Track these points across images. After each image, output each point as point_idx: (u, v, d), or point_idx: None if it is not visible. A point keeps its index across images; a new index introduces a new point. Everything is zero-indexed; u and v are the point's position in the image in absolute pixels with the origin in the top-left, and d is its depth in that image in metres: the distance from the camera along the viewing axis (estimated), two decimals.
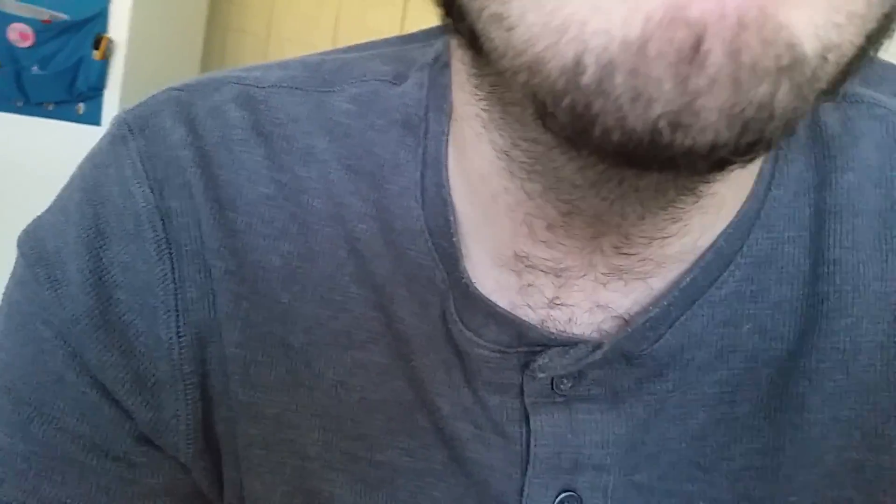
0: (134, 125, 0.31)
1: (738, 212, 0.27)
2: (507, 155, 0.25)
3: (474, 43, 0.21)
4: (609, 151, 0.18)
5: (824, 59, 0.17)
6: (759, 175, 0.28)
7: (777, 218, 0.28)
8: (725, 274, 0.28)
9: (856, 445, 0.29)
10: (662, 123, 0.17)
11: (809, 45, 0.17)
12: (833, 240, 0.28)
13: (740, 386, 0.29)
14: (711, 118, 0.17)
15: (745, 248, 0.28)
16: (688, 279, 0.27)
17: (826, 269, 0.28)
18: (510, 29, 0.18)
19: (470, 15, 0.20)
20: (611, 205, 0.24)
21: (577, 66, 0.17)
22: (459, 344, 0.29)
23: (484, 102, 0.25)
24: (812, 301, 0.28)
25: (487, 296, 0.28)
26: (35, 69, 1.97)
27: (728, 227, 0.27)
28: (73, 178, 0.32)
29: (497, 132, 0.25)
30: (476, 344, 0.29)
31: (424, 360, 0.30)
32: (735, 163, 0.19)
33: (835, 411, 0.29)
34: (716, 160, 0.18)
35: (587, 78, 0.17)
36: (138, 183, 0.30)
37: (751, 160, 0.19)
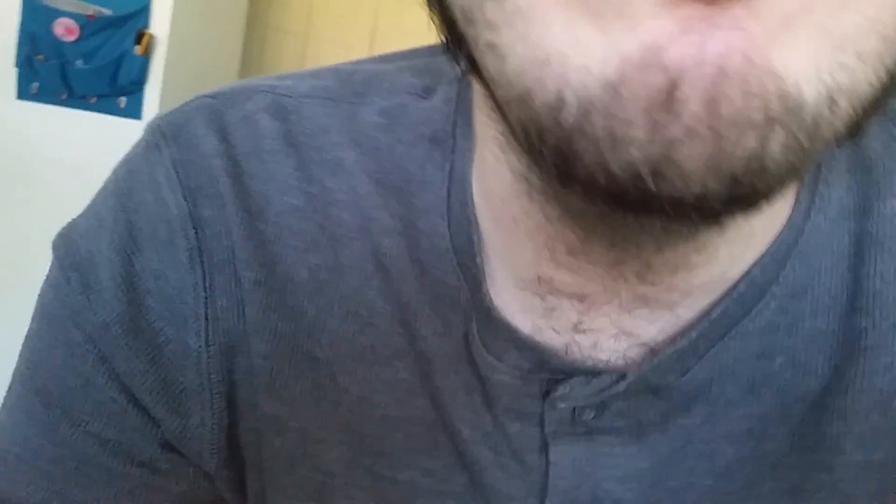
0: (168, 132, 0.31)
1: (774, 240, 0.27)
2: (524, 179, 0.25)
3: (475, 69, 0.20)
4: (597, 193, 0.18)
5: (832, 102, 0.16)
6: (797, 201, 0.27)
7: (815, 247, 0.27)
8: (760, 305, 0.27)
9: (891, 490, 0.28)
10: (644, 170, 0.16)
11: (810, 91, 0.16)
12: (873, 271, 0.27)
13: (771, 422, 0.28)
14: (693, 168, 0.16)
15: (780, 278, 0.27)
16: (719, 310, 0.26)
17: (865, 303, 0.27)
18: (503, 58, 0.18)
19: (467, 43, 0.19)
20: (625, 236, 0.23)
21: (559, 103, 0.16)
22: (481, 368, 0.29)
23: (500, 125, 0.24)
24: (849, 335, 0.27)
25: (510, 318, 0.28)
26: (79, 63, 2.01)
27: (763, 256, 0.26)
28: (107, 183, 0.32)
29: (514, 155, 0.24)
30: (496, 369, 0.28)
31: (446, 380, 0.29)
32: (733, 214, 0.18)
33: (870, 454, 0.28)
34: (708, 211, 0.17)
35: (568, 116, 0.16)
36: (172, 191, 0.30)
37: (751, 212, 0.18)
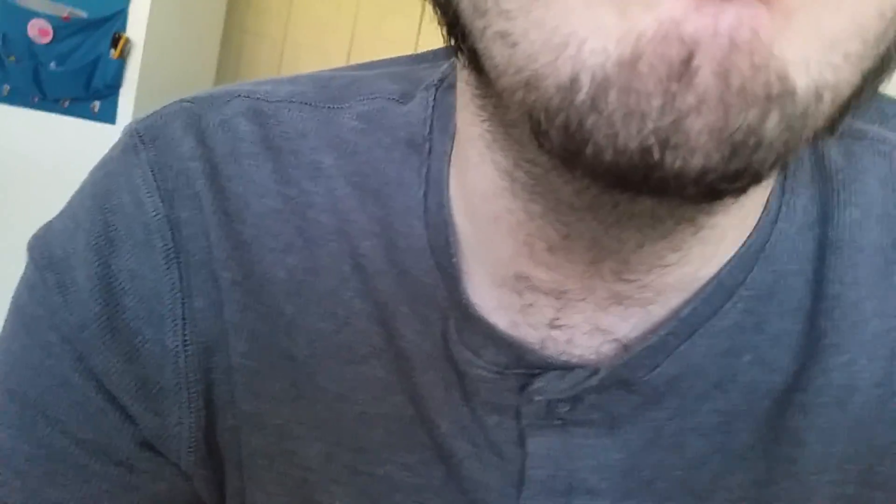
0: (145, 135, 0.31)
1: (743, 244, 0.28)
2: (509, 175, 0.25)
3: (475, 62, 0.21)
4: (601, 172, 0.19)
5: (819, 96, 0.17)
6: (766, 208, 0.28)
7: (781, 251, 0.28)
8: (728, 305, 0.28)
9: (850, 481, 0.29)
10: (652, 141, 0.17)
11: (801, 81, 0.17)
12: (833, 275, 0.28)
13: (738, 416, 0.29)
14: (700, 140, 0.17)
15: (748, 281, 0.28)
16: (688, 309, 0.27)
17: (826, 305, 0.28)
18: (513, 45, 0.18)
19: (472, 34, 0.20)
20: (608, 230, 0.24)
21: (573, 84, 0.17)
22: (459, 363, 0.29)
23: (487, 123, 0.25)
24: (811, 336, 0.29)
25: (488, 315, 0.28)
26: (53, 65, 1.99)
27: (731, 259, 0.28)
28: (83, 186, 0.32)
29: (500, 153, 0.25)
30: (475, 364, 0.29)
31: (424, 377, 0.30)
32: (725, 192, 0.19)
33: (829, 447, 0.29)
34: (706, 186, 0.18)
35: (582, 95, 0.17)
36: (149, 193, 0.30)
37: (740, 191, 0.19)
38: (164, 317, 0.30)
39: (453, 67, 0.31)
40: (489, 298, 0.29)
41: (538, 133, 0.19)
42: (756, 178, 0.18)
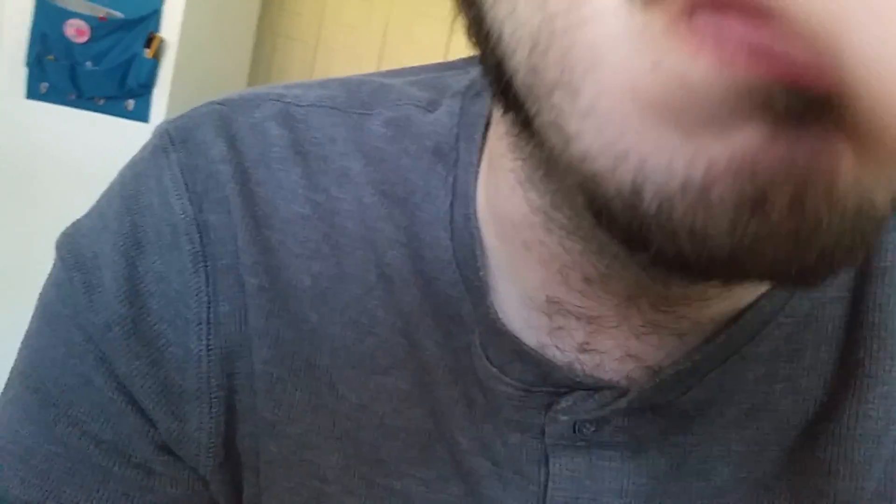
0: (175, 137, 0.31)
1: None
2: (545, 214, 0.24)
3: (526, 127, 0.20)
4: (661, 263, 0.18)
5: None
6: None
7: None
8: (765, 331, 0.27)
9: None
10: (721, 255, 0.17)
11: (882, 203, 0.16)
12: (873, 303, 0.27)
13: (767, 445, 0.28)
14: (768, 259, 0.17)
15: (787, 308, 0.27)
16: (723, 336, 0.27)
17: (864, 334, 0.27)
18: (567, 141, 0.17)
19: (525, 109, 0.19)
20: (650, 275, 0.24)
21: (636, 195, 0.16)
22: (482, 379, 0.29)
23: (521, 163, 0.24)
24: (848, 365, 0.28)
25: (515, 331, 0.28)
26: (88, 64, 2.02)
27: (771, 287, 0.27)
28: (112, 185, 0.32)
29: (536, 193, 0.24)
30: (500, 380, 0.28)
31: (446, 391, 0.29)
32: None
33: (861, 481, 0.28)
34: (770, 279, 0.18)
35: (645, 206, 0.16)
36: (178, 195, 0.30)
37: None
38: (188, 320, 0.30)
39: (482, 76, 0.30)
40: (516, 317, 0.28)
41: (598, 216, 0.18)
42: (821, 279, 0.18)
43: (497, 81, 0.20)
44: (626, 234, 0.18)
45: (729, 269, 0.17)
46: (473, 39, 0.21)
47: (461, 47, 0.21)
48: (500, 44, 0.19)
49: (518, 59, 0.18)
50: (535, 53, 0.17)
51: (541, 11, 0.17)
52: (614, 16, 0.15)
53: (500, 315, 0.28)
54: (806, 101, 0.14)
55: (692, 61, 0.14)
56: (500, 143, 0.27)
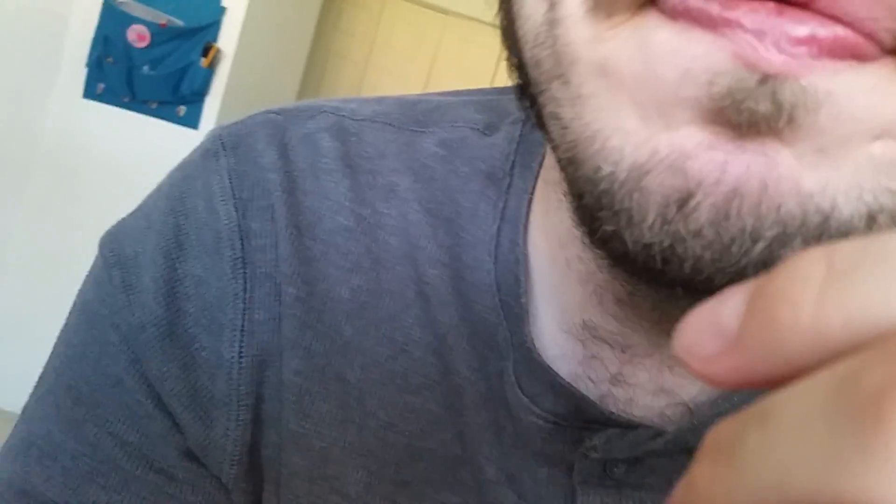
0: (227, 142, 0.31)
1: None
2: None
3: (544, 128, 0.22)
4: (617, 258, 0.20)
5: (871, 220, 0.17)
6: None
7: None
8: None
9: None
10: (654, 252, 0.18)
11: (847, 208, 0.17)
12: None
13: None
14: (700, 261, 0.18)
15: None
16: None
17: None
18: (563, 129, 0.20)
19: (537, 106, 0.22)
20: (667, 297, 0.24)
21: (595, 176, 0.19)
22: (513, 408, 0.28)
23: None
24: None
25: (549, 362, 0.27)
26: (146, 69, 2.07)
27: None
28: (161, 186, 0.33)
29: None
30: (530, 411, 0.28)
31: (476, 417, 0.29)
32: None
33: None
34: (714, 288, 0.18)
35: (598, 190, 0.19)
36: (223, 200, 0.30)
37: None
38: (223, 326, 0.30)
39: None
40: (552, 345, 0.28)
41: (574, 208, 0.21)
42: None
43: (521, 85, 0.23)
44: (589, 223, 0.20)
45: (664, 269, 0.18)
46: (506, 44, 0.23)
47: (508, 75, 0.24)
48: (518, 42, 0.22)
49: (527, 56, 0.21)
50: (536, 48, 0.20)
51: (540, 8, 0.20)
52: (581, 20, 0.18)
53: (536, 344, 0.28)
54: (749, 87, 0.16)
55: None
56: (550, 156, 0.27)
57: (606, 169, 0.18)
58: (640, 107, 0.17)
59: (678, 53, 0.16)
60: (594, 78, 0.18)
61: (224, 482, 0.31)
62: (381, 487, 0.30)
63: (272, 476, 0.31)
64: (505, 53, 0.24)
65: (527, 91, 0.22)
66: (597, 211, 0.19)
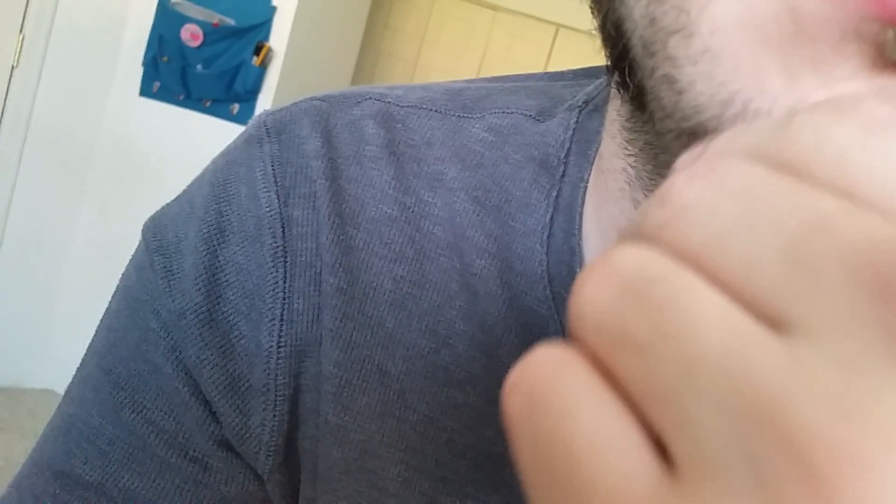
0: (272, 128, 0.31)
1: None
2: None
3: (640, 99, 0.21)
4: None
5: None
6: None
7: None
8: None
9: None
10: None
11: None
12: None
13: None
14: None
15: None
16: None
17: None
18: (680, 93, 0.18)
19: (641, 71, 0.20)
20: None
21: None
22: None
23: (633, 159, 0.24)
24: None
25: None
26: (199, 67, 2.11)
27: None
28: (205, 172, 0.32)
29: (643, 192, 0.24)
30: None
31: None
32: None
33: None
34: None
35: None
36: (266, 187, 0.30)
37: None
38: (262, 314, 0.29)
39: (599, 90, 0.29)
40: None
41: None
42: None
43: (614, 52, 0.21)
44: None
45: None
46: (594, 15, 0.22)
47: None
48: (620, 7, 0.20)
49: (638, 14, 0.19)
50: (653, 2, 0.19)
51: None
52: None
53: None
54: None
55: None
56: (612, 143, 0.26)
57: None
58: (788, 64, 0.16)
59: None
60: (733, 30, 0.17)
61: (259, 473, 0.31)
62: (419, 483, 0.29)
63: (309, 468, 0.31)
64: (597, 23, 0.22)
65: (623, 61, 0.21)
66: None
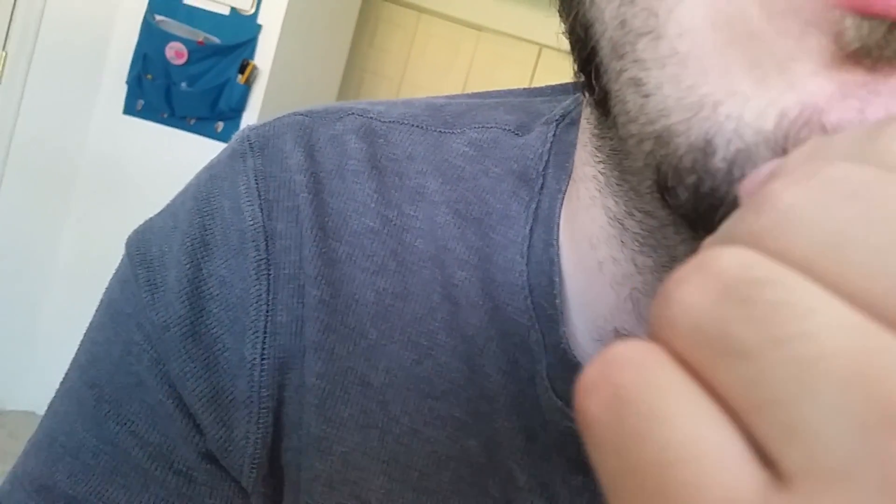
0: (255, 143, 0.31)
1: None
2: (620, 223, 0.24)
3: (605, 103, 0.21)
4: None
5: None
6: None
7: None
8: None
9: None
10: None
11: None
12: None
13: None
14: None
15: None
16: None
17: None
18: (646, 96, 0.18)
19: (608, 74, 0.20)
20: None
21: (707, 147, 0.17)
22: (546, 412, 0.27)
23: (602, 165, 0.24)
24: None
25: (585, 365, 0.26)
26: (184, 85, 2.11)
27: None
28: (188, 186, 0.33)
29: (612, 198, 0.24)
30: (565, 415, 0.27)
31: (506, 422, 0.28)
32: None
33: None
34: None
35: (717, 161, 0.17)
36: (249, 201, 0.30)
37: None
38: (246, 327, 0.29)
39: (576, 104, 0.30)
40: (586, 350, 0.27)
41: (664, 188, 0.18)
42: None
43: (582, 54, 0.21)
44: (694, 199, 0.18)
45: None
46: (563, 17, 0.22)
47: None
48: (590, 9, 0.20)
49: (608, 16, 0.19)
50: (624, 5, 0.19)
51: None
52: None
53: (572, 346, 0.27)
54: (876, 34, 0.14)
55: None
56: (584, 151, 0.26)
57: (722, 140, 0.16)
58: (754, 65, 0.16)
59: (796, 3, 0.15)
60: (700, 32, 0.17)
61: (244, 485, 0.31)
62: (402, 494, 0.29)
63: (293, 480, 0.31)
64: (564, 27, 0.22)
65: (590, 65, 0.21)
66: (712, 189, 0.17)
